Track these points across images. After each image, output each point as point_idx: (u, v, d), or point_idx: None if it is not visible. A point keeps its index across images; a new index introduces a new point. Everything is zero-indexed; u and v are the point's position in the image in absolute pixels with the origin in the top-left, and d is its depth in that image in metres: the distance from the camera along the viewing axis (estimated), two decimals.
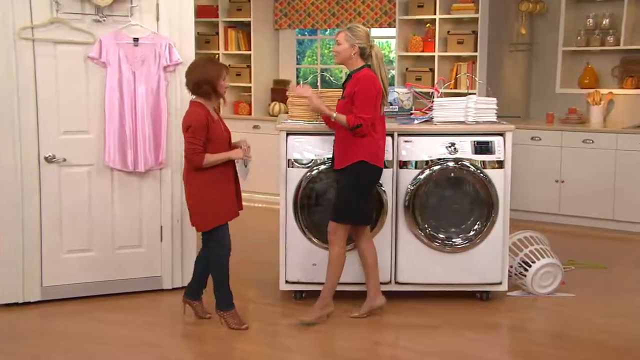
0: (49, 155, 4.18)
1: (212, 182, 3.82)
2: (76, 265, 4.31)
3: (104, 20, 4.19)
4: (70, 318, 4.05)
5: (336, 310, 4.15)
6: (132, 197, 4.40)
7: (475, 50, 6.55)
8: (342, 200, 3.96)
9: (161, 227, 4.48)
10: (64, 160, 4.22)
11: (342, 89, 4.05)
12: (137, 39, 4.25)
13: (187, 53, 4.40)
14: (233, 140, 3.98)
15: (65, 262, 4.29)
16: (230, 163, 3.89)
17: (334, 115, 3.90)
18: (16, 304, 4.15)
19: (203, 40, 7.52)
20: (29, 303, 4.19)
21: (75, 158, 4.25)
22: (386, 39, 8.49)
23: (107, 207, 4.34)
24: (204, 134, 3.74)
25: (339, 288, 4.09)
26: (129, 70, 4.23)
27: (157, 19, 4.32)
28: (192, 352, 3.83)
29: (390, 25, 7.21)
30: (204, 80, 3.76)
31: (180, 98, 4.41)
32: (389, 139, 4.23)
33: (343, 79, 4.21)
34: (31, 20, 4.05)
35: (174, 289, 4.51)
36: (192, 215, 3.89)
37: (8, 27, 4.00)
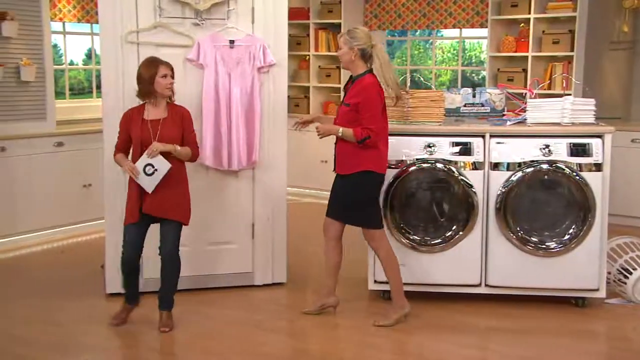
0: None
1: (128, 181, 3.90)
2: None
3: (202, 23, 4.35)
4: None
5: (424, 313, 4.14)
6: (225, 195, 4.53)
7: (572, 50, 6.34)
8: (360, 206, 3.91)
9: (253, 224, 4.59)
10: None
11: (344, 93, 4.02)
12: (233, 41, 4.38)
13: (280, 54, 4.50)
14: None
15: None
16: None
17: (341, 131, 3.82)
18: (120, 294, 4.37)
19: (294, 42, 7.66)
20: None
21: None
22: (477, 40, 8.34)
23: (202, 204, 4.46)
24: (121, 133, 3.88)
25: (430, 290, 4.07)
26: (224, 71, 4.37)
27: (253, 22, 4.44)
28: (287, 346, 3.89)
29: (482, 26, 7.09)
30: (139, 81, 3.84)
31: (273, 99, 4.52)
32: (480, 140, 4.17)
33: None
34: (137, 25, 4.26)
35: (264, 285, 4.61)
36: None
37: (116, 32, 4.22)
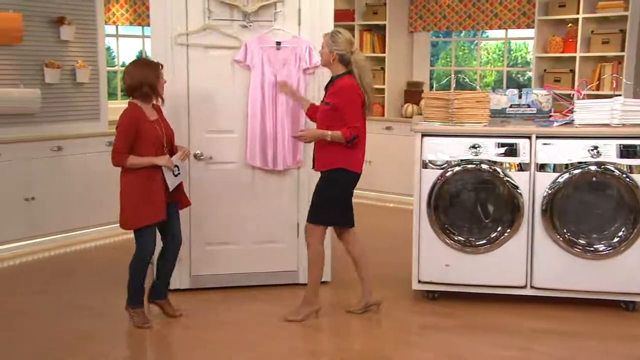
0: (198, 153, 4.47)
1: (137, 183, 3.81)
2: (219, 257, 4.58)
3: (250, 25, 4.43)
4: (215, 305, 4.31)
5: (467, 314, 4.13)
6: (270, 194, 4.60)
7: (622, 50, 6.22)
8: (320, 202, 3.99)
9: (297, 223, 4.64)
10: (211, 158, 4.49)
11: (324, 92, 4.09)
12: (280, 42, 4.45)
13: None
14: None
15: (209, 253, 4.57)
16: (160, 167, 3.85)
17: (329, 134, 3.90)
18: (169, 290, 4.47)
19: None
20: (179, 290, 4.50)
21: (221, 156, 4.50)
22: (523, 40, 8.26)
23: (248, 203, 4.56)
24: (129, 136, 3.76)
25: (474, 291, 4.05)
26: (271, 72, 4.44)
27: (299, 23, 4.50)
28: (330, 344, 3.94)
29: (528, 26, 7.02)
30: (144, 82, 3.79)
31: (318, 99, 4.56)
32: (526, 141, 4.15)
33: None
34: (186, 27, 4.37)
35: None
36: (120, 212, 3.86)
37: (167, 34, 4.34)
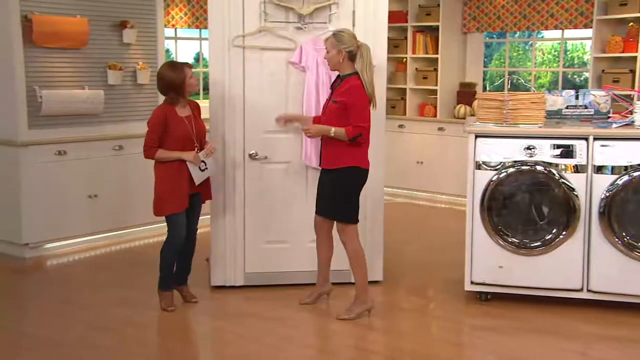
0: (253, 153, 4.56)
1: (165, 175, 4.10)
2: (273, 255, 4.65)
3: (305, 27, 4.50)
4: (267, 303, 4.39)
5: (521, 316, 4.10)
6: None
7: None
8: (344, 200, 4.05)
9: None
10: (266, 157, 4.57)
11: (331, 91, 4.11)
12: None
13: (379, 57, 4.57)
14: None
15: (263, 251, 4.65)
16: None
17: (333, 130, 3.95)
18: (223, 287, 4.59)
19: (392, 44, 7.71)
20: (233, 287, 4.60)
21: (275, 156, 4.59)
22: (580, 40, 8.10)
23: (301, 202, 4.62)
24: (158, 131, 4.05)
25: (528, 293, 4.01)
26: (325, 73, 4.49)
27: (353, 25, 4.54)
28: (382, 343, 3.96)
29: (586, 26, 6.89)
30: (170, 87, 4.07)
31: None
32: (583, 143, 4.10)
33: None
34: (243, 29, 4.47)
35: None
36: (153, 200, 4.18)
37: (224, 36, 4.45)
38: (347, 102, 3.95)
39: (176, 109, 4.13)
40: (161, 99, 6.31)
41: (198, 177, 4.17)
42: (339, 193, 4.08)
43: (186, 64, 4.19)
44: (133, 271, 4.84)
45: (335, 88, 4.11)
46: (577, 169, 4.12)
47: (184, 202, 4.14)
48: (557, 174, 4.14)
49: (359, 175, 4.09)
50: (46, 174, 5.31)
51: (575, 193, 4.10)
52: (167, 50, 6.76)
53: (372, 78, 4.05)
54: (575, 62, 9.42)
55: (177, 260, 4.32)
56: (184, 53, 7.44)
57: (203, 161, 4.17)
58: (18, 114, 5.19)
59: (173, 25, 6.81)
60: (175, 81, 4.06)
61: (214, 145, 4.28)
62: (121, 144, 5.66)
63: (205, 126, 4.30)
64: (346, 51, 3.99)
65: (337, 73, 4.15)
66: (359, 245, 4.13)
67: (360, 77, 3.99)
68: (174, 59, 6.96)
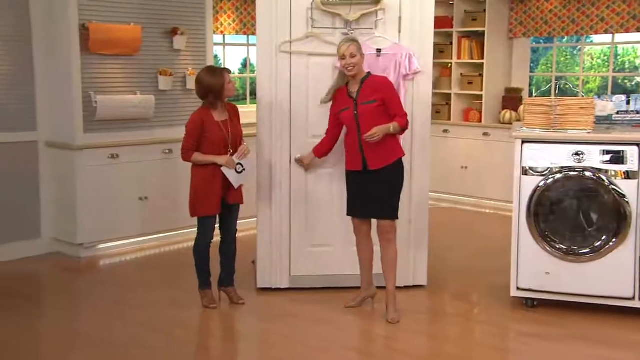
0: (299, 157, 4.58)
1: (200, 178, 4.21)
2: (318, 258, 4.68)
3: (351, 33, 4.53)
4: (312, 305, 4.44)
5: (569, 323, 4.06)
6: None
7: None
8: (395, 197, 4.13)
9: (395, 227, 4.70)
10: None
11: (351, 98, 4.11)
12: (380, 50, 4.52)
13: (425, 62, 4.59)
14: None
15: (309, 255, 4.68)
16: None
17: (392, 127, 4.05)
18: (269, 289, 4.66)
19: (437, 50, 7.70)
20: (279, 289, 4.66)
21: (320, 161, 4.58)
22: (632, 45, 7.94)
23: (345, 206, 4.53)
24: (195, 135, 4.17)
25: (576, 300, 3.96)
26: None
27: (399, 31, 4.57)
28: (425, 348, 3.97)
29: (638, 30, 6.76)
30: (209, 91, 4.15)
31: (417, 106, 4.61)
32: (634, 149, 4.04)
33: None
34: (290, 35, 4.54)
35: (405, 287, 4.62)
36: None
37: (272, 42, 4.52)
38: (386, 96, 4.08)
39: (213, 113, 4.22)
40: None
41: (235, 180, 4.25)
42: (393, 189, 4.16)
43: (225, 69, 4.32)
44: (181, 272, 4.95)
45: (357, 92, 4.11)
46: (628, 175, 4.06)
47: (216, 205, 4.23)
48: (606, 180, 4.09)
49: (403, 166, 4.22)
50: (100, 176, 5.49)
51: (626, 200, 4.04)
52: (216, 56, 6.90)
53: None
54: (627, 66, 9.22)
55: (220, 262, 4.41)
56: (231, 59, 7.57)
57: (239, 163, 4.25)
58: (75, 118, 5.39)
59: (222, 32, 6.95)
60: (214, 86, 4.15)
61: (247, 147, 4.33)
62: (171, 147, 5.79)
63: (242, 130, 4.37)
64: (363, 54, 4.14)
65: None
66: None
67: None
68: (222, 65, 7.10)
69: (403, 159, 4.22)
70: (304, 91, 4.59)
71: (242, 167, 4.26)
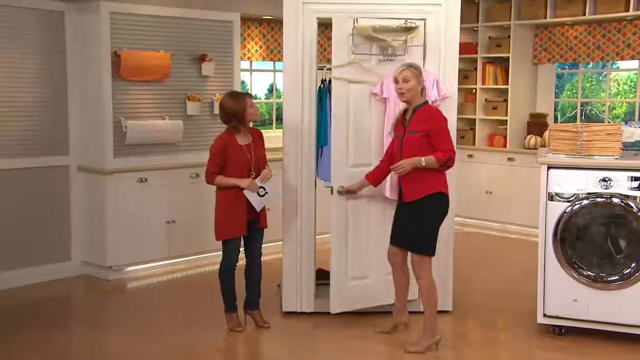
0: (341, 189, 4.42)
1: (223, 201, 4.27)
2: (357, 291, 4.57)
3: (387, 59, 4.53)
4: (337, 330, 4.41)
5: (598, 352, 4.01)
6: None
7: None
8: (426, 232, 4.02)
9: None
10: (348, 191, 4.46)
11: (402, 125, 4.07)
12: None
13: (450, 87, 4.61)
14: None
15: (349, 289, 4.55)
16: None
17: (424, 160, 3.94)
18: (294, 313, 4.67)
19: (461, 75, 7.75)
20: (304, 313, 4.67)
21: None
22: None
23: (379, 233, 4.52)
24: (218, 158, 4.22)
25: (605, 328, 3.92)
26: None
27: (424, 57, 4.54)
28: None
29: None
30: (232, 116, 4.22)
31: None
32: None
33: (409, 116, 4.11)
34: (312, 61, 4.56)
35: None
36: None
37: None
38: (432, 128, 3.97)
39: (237, 137, 4.28)
40: None
41: (258, 203, 4.29)
42: (422, 224, 4.04)
43: (247, 93, 4.41)
44: (208, 295, 4.98)
45: (407, 121, 4.08)
46: None
47: (240, 228, 4.28)
48: (635, 207, 4.07)
49: (442, 201, 4.07)
50: (129, 200, 5.59)
51: None
52: (243, 82, 7.02)
53: None
54: None
55: (246, 286, 4.45)
56: (258, 84, 7.70)
57: (262, 187, 4.29)
58: (105, 143, 5.50)
59: (249, 58, 7.07)
60: (236, 110, 4.22)
61: (270, 170, 4.36)
62: (198, 171, 5.85)
63: (265, 154, 4.41)
64: (423, 85, 4.07)
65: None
66: (432, 278, 4.10)
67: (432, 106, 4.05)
68: (249, 90, 7.21)
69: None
70: (343, 118, 4.47)
71: (265, 190, 4.30)
